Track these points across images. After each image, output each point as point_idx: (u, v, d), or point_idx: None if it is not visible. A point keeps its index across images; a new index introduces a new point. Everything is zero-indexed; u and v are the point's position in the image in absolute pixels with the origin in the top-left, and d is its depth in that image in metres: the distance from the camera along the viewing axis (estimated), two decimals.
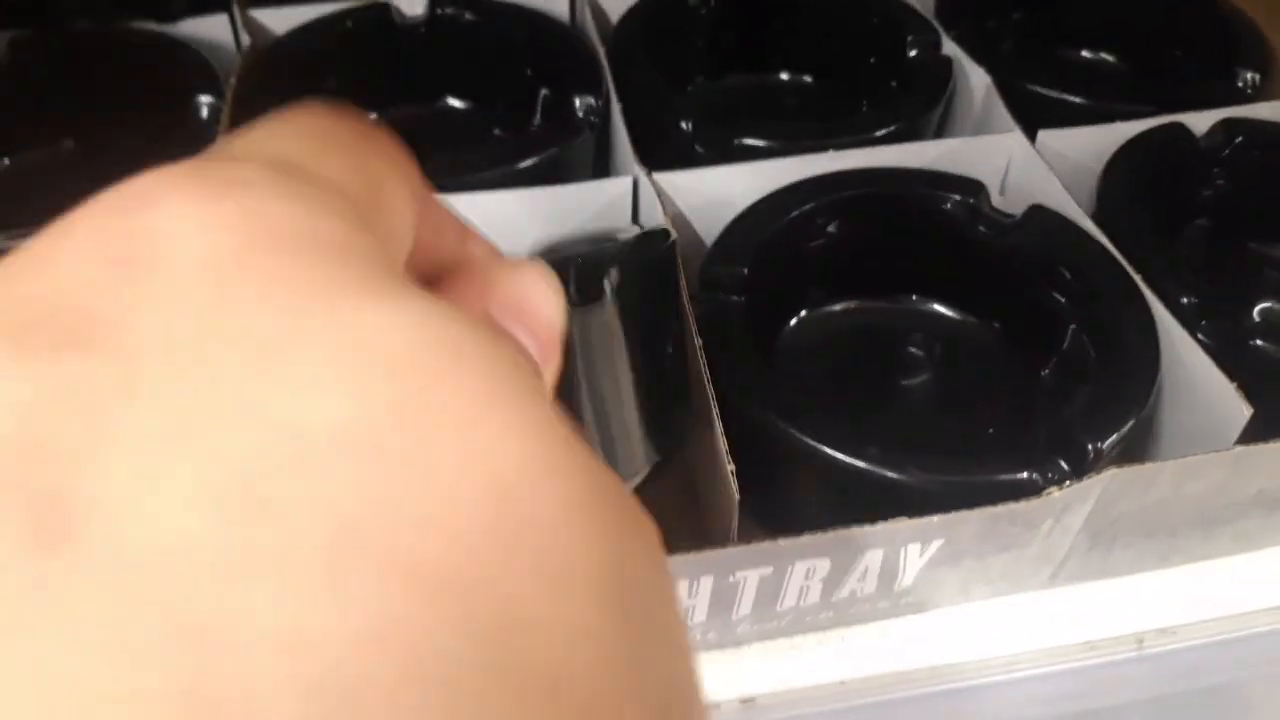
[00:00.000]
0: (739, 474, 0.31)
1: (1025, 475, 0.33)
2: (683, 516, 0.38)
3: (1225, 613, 0.37)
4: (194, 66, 0.47)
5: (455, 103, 0.53)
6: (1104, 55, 0.58)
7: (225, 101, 0.45)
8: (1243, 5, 0.54)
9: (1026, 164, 0.45)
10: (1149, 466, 0.32)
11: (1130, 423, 0.34)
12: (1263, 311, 0.43)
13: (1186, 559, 0.38)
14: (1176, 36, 0.55)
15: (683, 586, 0.32)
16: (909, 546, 0.32)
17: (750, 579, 0.32)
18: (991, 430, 0.40)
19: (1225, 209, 0.46)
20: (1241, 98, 0.49)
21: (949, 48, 0.50)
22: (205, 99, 0.46)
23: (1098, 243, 0.40)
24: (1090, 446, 0.33)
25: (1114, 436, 0.34)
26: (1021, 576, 0.36)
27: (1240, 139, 0.45)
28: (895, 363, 0.43)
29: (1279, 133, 0.46)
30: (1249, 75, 0.50)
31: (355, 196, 0.14)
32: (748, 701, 0.34)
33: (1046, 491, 0.31)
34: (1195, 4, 0.55)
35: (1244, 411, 0.34)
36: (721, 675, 0.34)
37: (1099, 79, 0.56)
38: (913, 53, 0.51)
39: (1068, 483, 0.32)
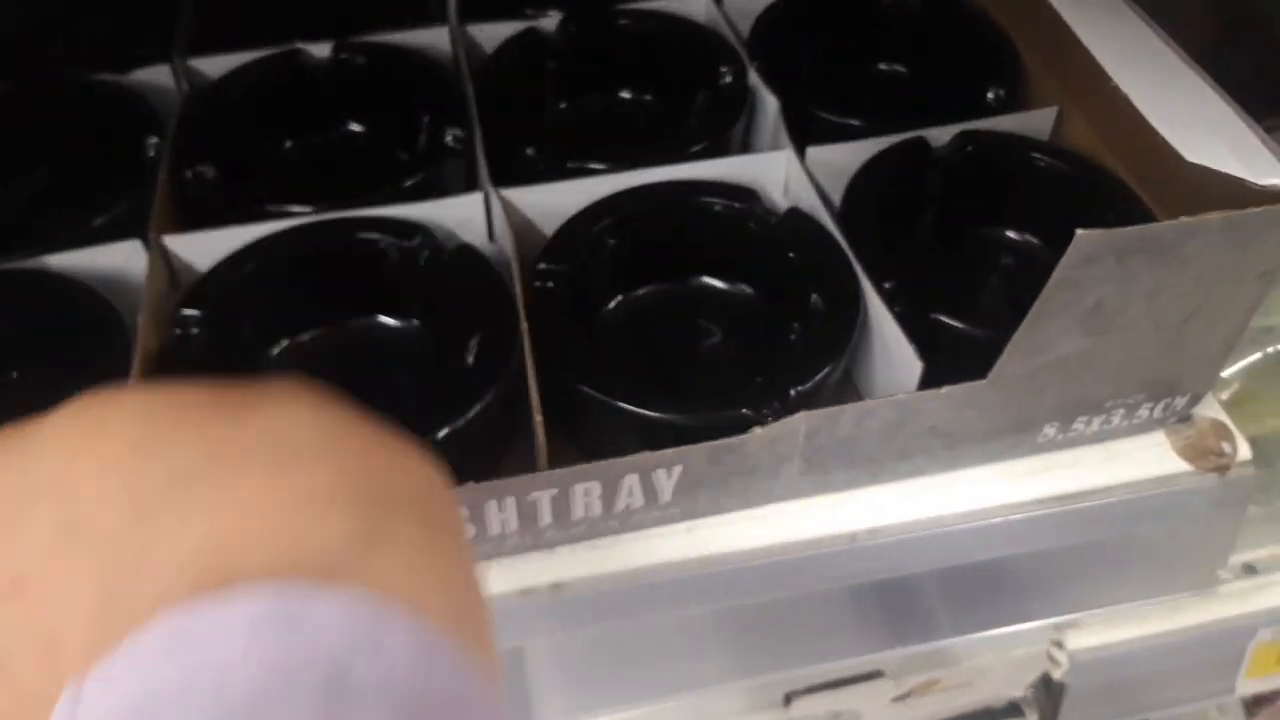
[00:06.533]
0: (558, 420, 0.45)
1: (746, 413, 0.45)
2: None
3: (919, 518, 0.50)
4: (141, 112, 0.59)
5: (355, 128, 0.65)
6: (897, 69, 0.70)
7: (167, 139, 0.57)
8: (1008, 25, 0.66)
9: (797, 174, 0.57)
10: (832, 410, 0.45)
11: (823, 373, 0.47)
12: (950, 292, 0.55)
13: (891, 478, 0.51)
14: (949, 55, 0.67)
15: (493, 505, 0.44)
16: (657, 472, 0.45)
17: (543, 498, 0.45)
18: (752, 378, 0.52)
19: (949, 205, 0.58)
20: (988, 111, 0.61)
21: (754, 76, 0.62)
22: (152, 139, 0.58)
23: (834, 238, 0.53)
24: (792, 392, 0.46)
25: (809, 384, 0.46)
26: (754, 494, 0.48)
27: (970, 148, 0.58)
28: (686, 329, 0.55)
29: (1005, 142, 0.58)
30: (998, 91, 0.62)
31: None
32: (556, 587, 0.47)
33: (751, 430, 0.44)
34: (965, 25, 0.67)
35: (918, 367, 0.47)
36: (534, 568, 0.47)
37: (876, 97, 0.68)
38: (725, 79, 0.63)
39: (770, 421, 0.45)
